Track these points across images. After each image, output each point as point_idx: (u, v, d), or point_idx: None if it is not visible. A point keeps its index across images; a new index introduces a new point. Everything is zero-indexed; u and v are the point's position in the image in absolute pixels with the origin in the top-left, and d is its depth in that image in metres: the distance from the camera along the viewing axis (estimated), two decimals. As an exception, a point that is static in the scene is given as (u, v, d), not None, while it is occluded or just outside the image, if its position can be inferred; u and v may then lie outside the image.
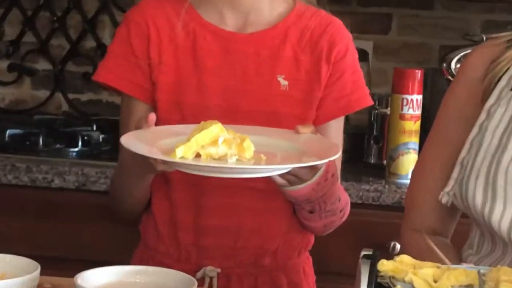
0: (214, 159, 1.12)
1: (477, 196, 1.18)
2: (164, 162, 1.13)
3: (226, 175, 1.20)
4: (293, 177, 1.22)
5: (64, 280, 1.06)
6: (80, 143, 2.09)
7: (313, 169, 1.21)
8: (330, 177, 1.29)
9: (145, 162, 1.14)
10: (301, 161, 1.17)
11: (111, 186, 1.51)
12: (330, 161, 1.19)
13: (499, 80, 1.21)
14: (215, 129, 1.11)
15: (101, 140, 2.16)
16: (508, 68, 1.20)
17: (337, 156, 1.18)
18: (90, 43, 2.39)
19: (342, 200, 1.40)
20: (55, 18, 2.38)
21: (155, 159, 1.11)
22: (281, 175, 1.21)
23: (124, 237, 1.64)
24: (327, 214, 1.37)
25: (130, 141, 1.14)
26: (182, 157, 1.08)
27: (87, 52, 2.40)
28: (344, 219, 1.43)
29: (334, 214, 1.39)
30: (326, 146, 1.26)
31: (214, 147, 1.12)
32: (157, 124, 1.23)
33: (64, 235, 1.92)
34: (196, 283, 0.99)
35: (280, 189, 1.28)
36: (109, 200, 1.48)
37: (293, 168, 1.18)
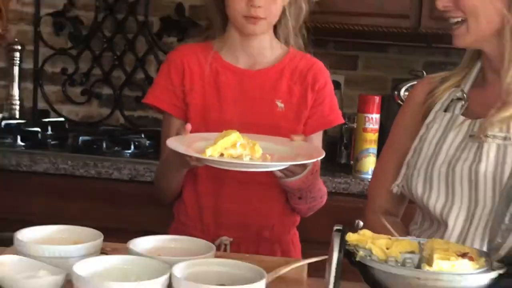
0: (233, 157, 1.30)
1: (418, 188, 1.34)
2: (197, 159, 1.29)
3: (242, 169, 1.35)
4: (289, 172, 1.41)
5: (121, 245, 1.17)
6: (132, 147, 2.35)
7: (304, 166, 1.39)
8: (315, 172, 1.49)
9: (183, 158, 1.32)
10: (296, 160, 1.34)
11: (155, 179, 1.70)
12: (315, 160, 1.39)
13: (435, 104, 1.38)
14: (234, 136, 1.30)
15: (147, 145, 2.41)
16: (441, 97, 1.38)
17: (322, 157, 1.36)
18: (140, 75, 2.73)
19: (322, 190, 1.61)
20: (115, 57, 2.74)
21: (191, 156, 1.29)
22: (280, 170, 1.40)
23: (163, 215, 1.76)
24: (311, 200, 1.59)
25: (173, 143, 1.31)
26: (210, 156, 1.26)
27: (138, 82, 2.74)
28: (322, 204, 1.64)
29: (315, 200, 1.60)
30: (313, 150, 1.44)
31: (233, 149, 1.31)
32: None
33: (121, 213, 2.15)
34: (215, 248, 1.15)
35: (279, 180, 1.47)
36: (153, 189, 1.69)
37: (289, 165, 1.35)
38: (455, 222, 1.33)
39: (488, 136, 1.30)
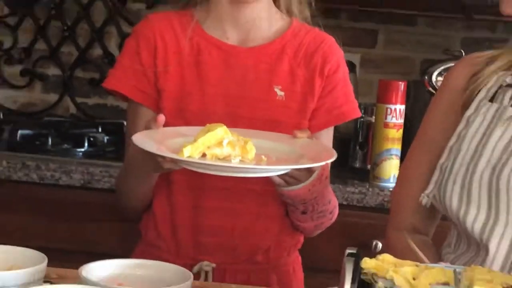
0: (219, 159, 1.15)
1: (453, 199, 1.21)
2: (172, 160, 1.16)
3: (230, 174, 1.21)
4: (290, 178, 1.25)
5: (70, 271, 1.07)
6: (86, 144, 2.11)
7: (309, 171, 1.25)
8: (324, 179, 1.34)
9: (154, 159, 1.18)
10: (299, 163, 1.21)
11: (117, 185, 1.53)
12: (324, 164, 1.25)
13: (478, 92, 1.25)
14: (221, 131, 1.15)
15: (105, 141, 2.17)
16: (487, 83, 1.26)
17: (333, 159, 1.21)
18: (97, 52, 2.40)
19: (332, 202, 1.44)
20: (65, 27, 2.40)
21: (164, 157, 1.14)
22: (279, 176, 1.25)
23: (126, 233, 1.65)
24: (318, 216, 1.42)
25: (140, 140, 1.16)
26: (189, 156, 1.11)
27: (94, 60, 2.41)
28: (333, 220, 1.47)
29: (324, 216, 1.44)
30: (322, 150, 1.30)
31: (219, 148, 1.16)
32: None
33: (70, 229, 1.93)
34: (192, 276, 1.02)
35: (277, 189, 1.32)
36: (114, 198, 1.50)
37: (291, 170, 1.21)
38: (499, 245, 1.23)
39: None
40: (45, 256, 1.01)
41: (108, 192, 1.83)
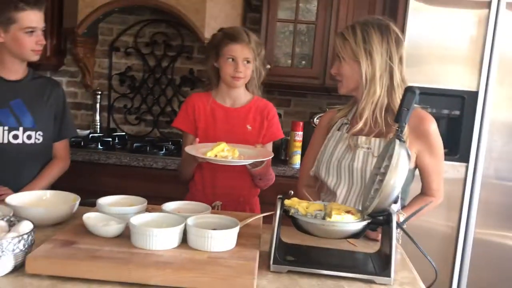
0: (222, 157, 1.57)
1: (322, 173, 1.63)
2: (202, 158, 1.59)
3: (227, 164, 1.64)
4: (254, 165, 1.71)
5: (157, 206, 1.44)
6: (164, 149, 2.72)
7: (262, 162, 1.70)
8: (268, 164, 1.82)
9: (194, 158, 1.63)
10: (257, 159, 1.65)
11: (179, 169, 1.99)
12: (268, 159, 1.70)
13: (333, 126, 1.68)
14: (223, 145, 1.61)
15: (172, 148, 2.78)
16: (336, 121, 1.68)
17: (271, 157, 1.71)
18: (169, 109, 3.34)
19: (272, 174, 1.93)
20: (154, 99, 3.26)
21: (198, 157, 1.59)
22: (249, 164, 1.70)
23: (182, 189, 2.04)
24: (266, 180, 1.94)
25: (189, 149, 1.63)
26: (209, 156, 1.56)
27: (168, 113, 3.30)
28: (272, 181, 1.97)
29: (268, 180, 1.95)
30: (267, 152, 1.73)
31: (222, 153, 1.61)
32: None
33: (159, 188, 2.49)
34: (210, 208, 1.42)
35: (248, 170, 1.79)
36: (177, 174, 2.00)
37: (254, 161, 1.65)
38: (341, 193, 1.62)
39: (357, 147, 1.58)
40: (145, 200, 1.42)
41: (174, 171, 2.43)
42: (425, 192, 1.68)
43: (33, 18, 1.85)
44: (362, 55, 1.54)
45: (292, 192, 1.30)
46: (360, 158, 1.56)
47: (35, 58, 1.91)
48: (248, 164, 1.70)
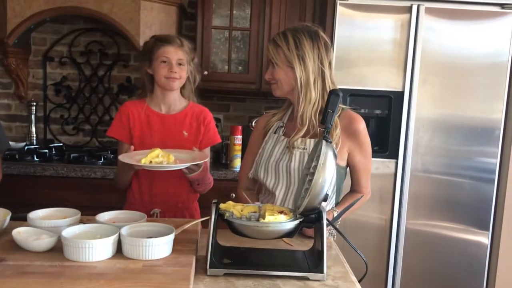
0: (157, 163, 1.57)
1: (260, 174, 1.64)
2: (138, 166, 1.60)
3: (162, 169, 1.65)
4: (190, 170, 1.70)
5: (91, 217, 1.40)
6: (102, 159, 2.68)
7: (199, 166, 1.70)
8: (205, 169, 1.80)
9: (129, 165, 1.63)
10: (194, 161, 1.64)
11: (115, 177, 1.95)
12: (205, 161, 1.71)
13: (269, 130, 1.71)
14: (158, 151, 1.62)
15: (111, 157, 2.73)
16: (272, 125, 1.70)
17: (206, 160, 1.73)
18: (107, 118, 3.26)
19: (210, 178, 1.91)
20: (92, 108, 3.19)
21: (134, 164, 1.59)
22: (186, 168, 1.69)
23: (119, 198, 2.02)
24: (204, 185, 1.91)
25: (123, 158, 1.62)
26: (144, 163, 1.56)
27: (107, 122, 3.24)
28: (211, 186, 1.94)
29: (207, 184, 1.93)
30: (203, 155, 1.72)
31: (157, 158, 1.60)
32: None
33: (94, 197, 2.50)
34: (145, 216, 1.39)
35: (186, 175, 1.76)
36: (114, 183, 1.96)
37: (191, 165, 1.64)
38: (279, 193, 1.63)
39: (294, 148, 1.60)
40: (79, 211, 1.38)
41: (111, 180, 2.27)
42: (354, 189, 1.72)
43: None
44: (295, 61, 1.56)
45: (234, 195, 1.36)
46: (296, 159, 1.58)
47: None
48: (185, 168, 1.69)
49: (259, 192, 1.72)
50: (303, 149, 1.57)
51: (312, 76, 1.56)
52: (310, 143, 1.59)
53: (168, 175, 1.81)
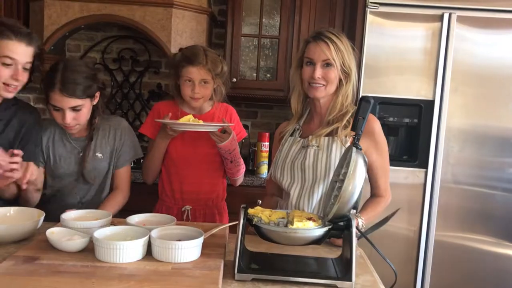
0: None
1: (277, 174, 1.70)
2: (175, 124, 1.74)
3: (197, 129, 1.80)
4: (219, 137, 1.82)
5: (122, 220, 1.45)
6: None
7: (228, 133, 1.82)
8: (235, 138, 1.88)
9: (164, 130, 1.79)
10: (222, 124, 1.82)
11: (145, 165, 1.99)
12: (233, 132, 1.84)
13: (285, 134, 1.78)
14: (189, 116, 1.84)
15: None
16: (288, 130, 1.77)
17: (232, 125, 1.85)
18: (137, 122, 3.28)
19: (241, 160, 2.00)
20: (123, 113, 3.24)
21: (170, 122, 1.76)
22: (214, 135, 1.81)
23: (150, 198, 2.05)
24: (237, 164, 1.97)
25: (160, 120, 1.79)
26: (180, 121, 1.74)
27: (136, 126, 2.98)
28: (243, 170, 2.02)
29: (239, 165, 1.99)
30: (230, 126, 1.86)
31: (189, 123, 1.81)
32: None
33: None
34: (175, 219, 1.42)
35: (217, 145, 1.85)
36: (143, 175, 2.03)
37: (219, 128, 1.80)
38: (294, 191, 1.67)
39: (309, 146, 1.65)
40: (110, 213, 1.44)
41: (142, 184, 2.15)
42: (374, 193, 1.72)
43: (16, 49, 1.67)
44: (352, 66, 1.64)
45: (261, 202, 1.34)
46: (311, 156, 1.61)
47: (5, 94, 1.73)
48: (215, 137, 1.79)
49: (282, 196, 1.75)
50: (317, 146, 1.60)
51: (354, 78, 1.66)
52: (324, 141, 1.62)
53: (197, 173, 1.90)
